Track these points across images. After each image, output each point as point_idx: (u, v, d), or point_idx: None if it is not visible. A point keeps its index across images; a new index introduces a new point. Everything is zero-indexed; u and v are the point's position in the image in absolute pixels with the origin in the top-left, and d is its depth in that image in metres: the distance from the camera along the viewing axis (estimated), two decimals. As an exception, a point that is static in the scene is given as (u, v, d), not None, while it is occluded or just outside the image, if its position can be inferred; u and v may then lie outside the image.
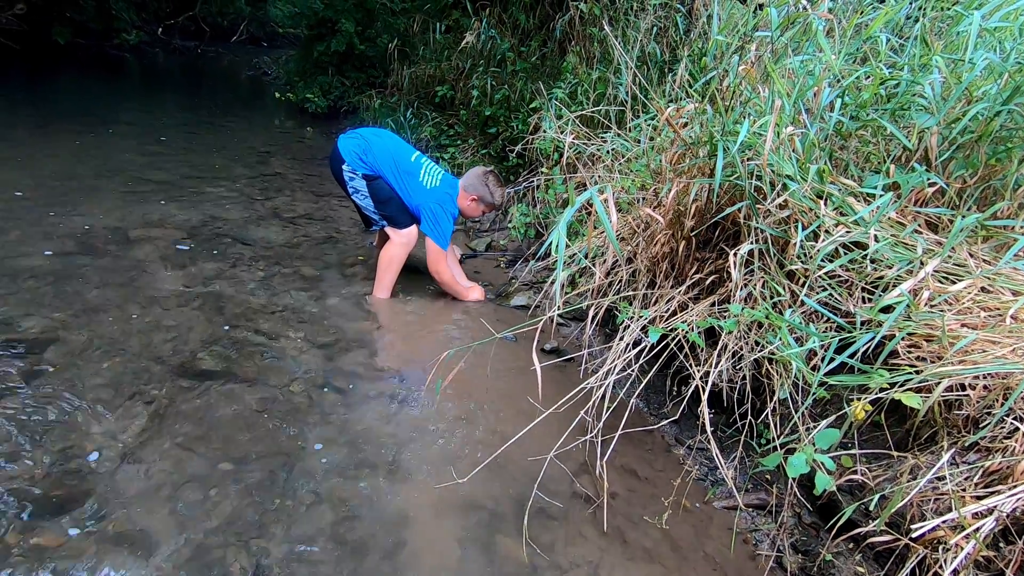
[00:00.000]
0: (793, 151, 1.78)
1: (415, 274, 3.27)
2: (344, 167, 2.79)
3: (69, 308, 2.47)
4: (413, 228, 2.92)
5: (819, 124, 1.93)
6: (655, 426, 2.20)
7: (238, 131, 6.38)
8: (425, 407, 2.19)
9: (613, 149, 2.84)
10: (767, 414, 1.69)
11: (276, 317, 2.67)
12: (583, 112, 3.12)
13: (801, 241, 1.70)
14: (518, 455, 1.84)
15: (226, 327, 2.51)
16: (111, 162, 4.49)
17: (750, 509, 1.86)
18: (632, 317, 1.88)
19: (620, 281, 2.39)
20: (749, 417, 1.82)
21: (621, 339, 1.93)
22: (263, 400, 2.11)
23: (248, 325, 2.56)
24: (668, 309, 2.08)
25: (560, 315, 2.88)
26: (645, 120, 2.48)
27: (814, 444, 1.44)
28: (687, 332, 1.68)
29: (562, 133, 3.12)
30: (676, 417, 2.12)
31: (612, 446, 1.84)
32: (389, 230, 2.92)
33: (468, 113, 5.06)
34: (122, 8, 9.78)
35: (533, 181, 3.65)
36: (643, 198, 2.54)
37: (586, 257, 2.57)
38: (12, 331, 2.25)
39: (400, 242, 2.91)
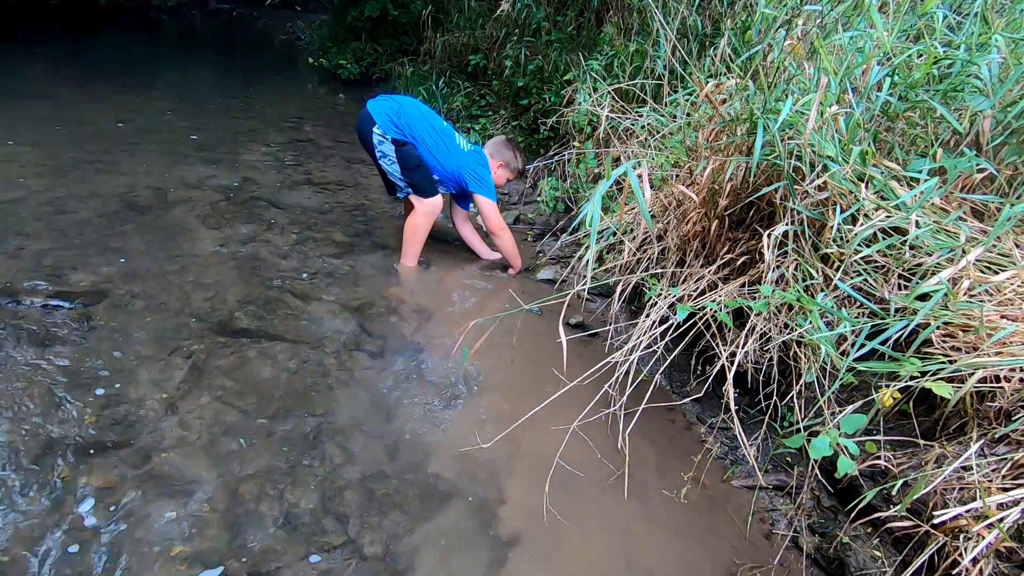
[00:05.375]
0: (836, 131, 1.73)
1: (442, 244, 3.31)
2: (375, 129, 2.77)
3: (114, 264, 2.57)
4: (438, 198, 2.93)
5: (865, 104, 1.87)
6: (678, 403, 2.22)
7: (272, 96, 6.43)
8: (451, 374, 2.24)
9: (648, 124, 2.79)
10: (792, 397, 1.68)
11: (308, 281, 2.73)
12: (619, 85, 3.06)
13: (838, 224, 1.67)
14: (541, 425, 1.88)
15: (261, 288, 2.59)
16: (150, 123, 4.59)
17: (769, 489, 1.88)
18: (660, 294, 1.88)
19: (649, 258, 2.38)
20: (774, 399, 1.82)
21: (647, 316, 1.93)
22: (296, 359, 2.19)
23: (282, 287, 2.63)
24: (697, 288, 2.07)
25: (587, 290, 2.89)
26: (683, 95, 2.42)
27: (839, 428, 1.44)
28: (716, 311, 1.67)
29: (597, 106, 3.07)
30: (699, 396, 2.14)
31: (634, 421, 1.86)
32: (414, 199, 2.93)
33: (500, 83, 5.00)
34: (160, -31, 9.85)
35: (564, 155, 3.62)
36: (676, 175, 2.51)
37: (615, 234, 2.56)
38: (63, 284, 2.36)
39: (424, 211, 2.92)
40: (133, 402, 1.86)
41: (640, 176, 1.39)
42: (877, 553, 1.46)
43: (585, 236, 3.10)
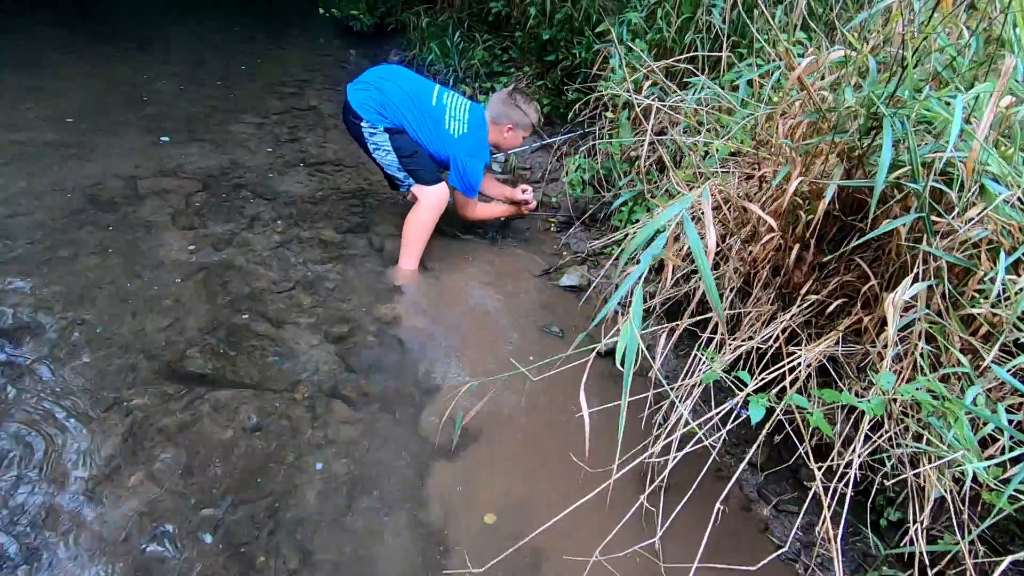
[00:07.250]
0: (1001, 136, 1.14)
1: (449, 240, 2.82)
2: (363, 125, 2.36)
3: (61, 282, 2.19)
4: (443, 186, 2.50)
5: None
6: (735, 477, 1.74)
7: (278, 54, 5.88)
8: (443, 443, 1.78)
9: (702, 98, 2.18)
10: (918, 524, 1.18)
11: (286, 297, 2.31)
12: (665, 63, 2.40)
13: (1002, 276, 1.11)
14: (554, 542, 1.44)
15: (228, 311, 2.18)
16: (139, 92, 4.14)
17: (859, 616, 1.41)
18: (712, 361, 1.37)
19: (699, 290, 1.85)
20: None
21: (692, 391, 1.43)
22: (257, 412, 1.79)
23: (253, 308, 2.22)
24: (769, 334, 1.55)
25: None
26: (753, 64, 1.80)
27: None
28: (809, 413, 1.16)
29: (632, 75, 2.46)
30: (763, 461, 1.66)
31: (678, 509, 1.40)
32: (416, 189, 2.49)
33: (524, 36, 4.34)
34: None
35: (595, 129, 3.02)
36: (736, 167, 1.94)
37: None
38: (-8, 313, 2.00)
39: (428, 204, 2.47)
40: (47, 486, 1.50)
41: (702, 231, 0.87)
42: None
43: (616, 231, 2.57)
